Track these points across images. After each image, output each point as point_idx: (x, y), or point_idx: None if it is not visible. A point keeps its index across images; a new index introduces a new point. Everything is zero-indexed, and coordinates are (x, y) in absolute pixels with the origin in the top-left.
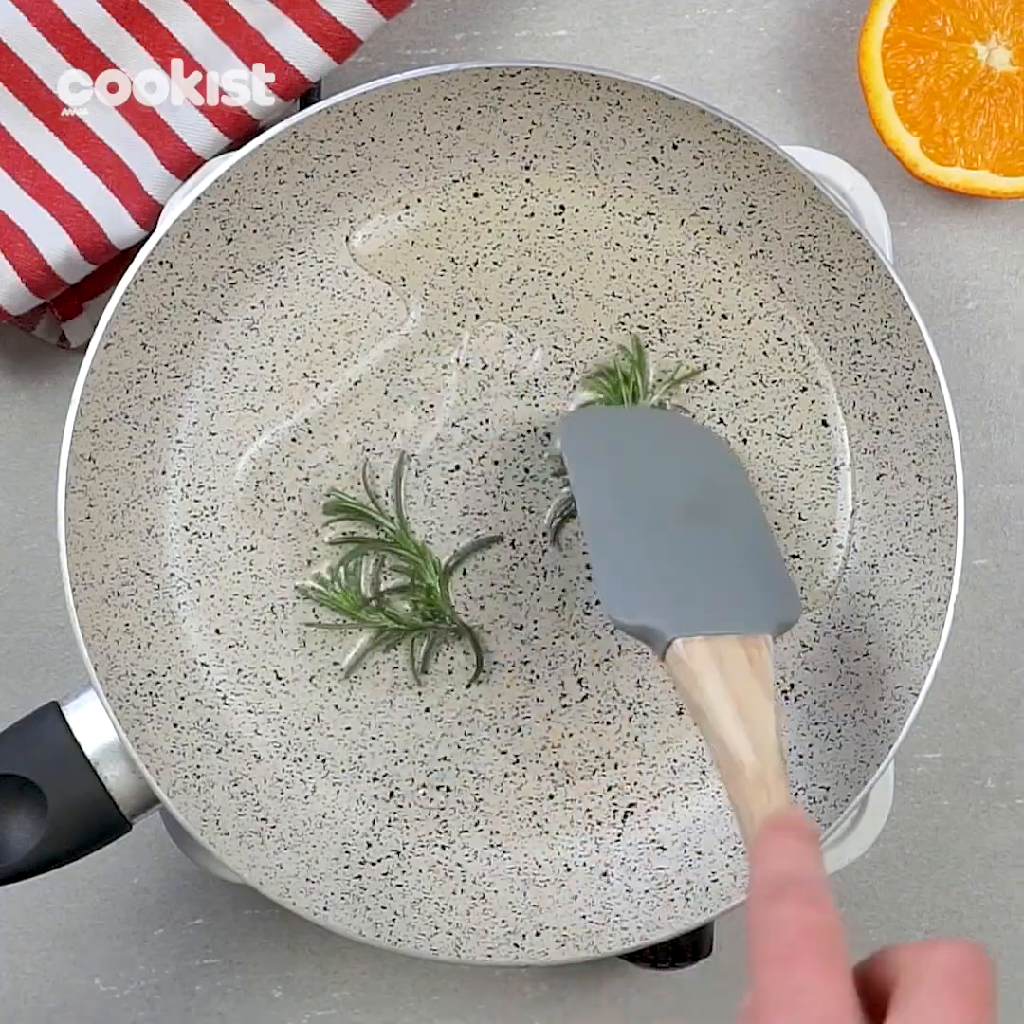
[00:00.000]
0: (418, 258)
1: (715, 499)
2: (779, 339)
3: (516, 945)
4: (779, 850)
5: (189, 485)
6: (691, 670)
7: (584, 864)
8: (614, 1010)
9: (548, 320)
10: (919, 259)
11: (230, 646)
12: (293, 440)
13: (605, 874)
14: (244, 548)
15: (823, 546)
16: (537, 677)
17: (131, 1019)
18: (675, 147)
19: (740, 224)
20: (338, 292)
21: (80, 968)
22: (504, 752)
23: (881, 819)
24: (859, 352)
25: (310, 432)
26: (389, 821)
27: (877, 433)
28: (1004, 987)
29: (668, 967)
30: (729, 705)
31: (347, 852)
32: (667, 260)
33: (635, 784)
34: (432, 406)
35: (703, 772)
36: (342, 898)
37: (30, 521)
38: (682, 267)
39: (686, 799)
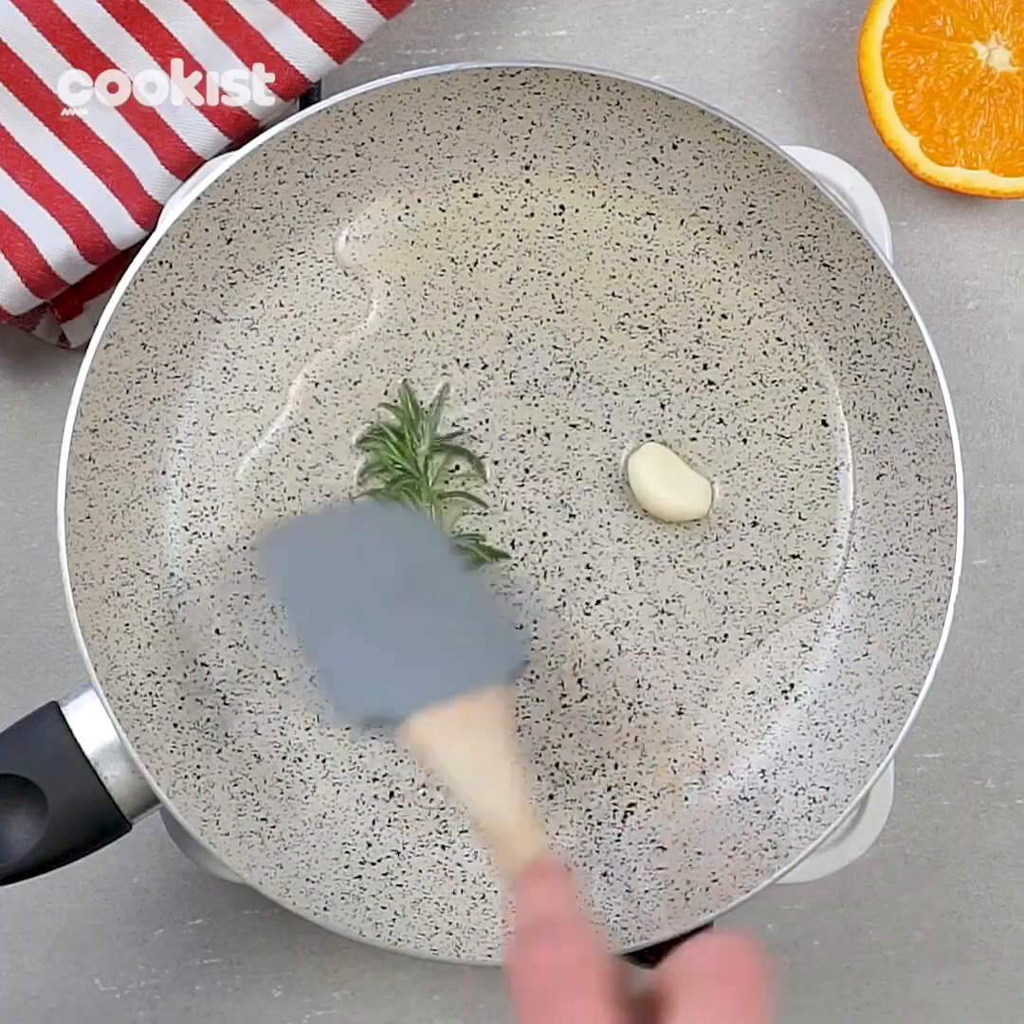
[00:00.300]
0: (418, 258)
1: (419, 576)
2: (779, 339)
3: None
4: (531, 897)
5: (189, 485)
6: (427, 743)
7: (584, 864)
8: None
9: (548, 320)
10: (919, 259)
11: (230, 646)
12: (293, 440)
13: (605, 874)
14: (244, 548)
15: (823, 546)
16: (537, 677)
17: (131, 1019)
18: (675, 147)
19: (740, 224)
20: (338, 292)
21: (80, 968)
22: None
23: (881, 819)
24: (859, 352)
25: (310, 432)
26: (389, 821)
27: (877, 433)
28: (1004, 987)
29: None
30: (469, 769)
31: (347, 852)
32: (667, 260)
33: (635, 784)
34: (432, 406)
35: (703, 772)
36: (342, 898)
37: (30, 521)
38: (682, 267)
39: (686, 799)
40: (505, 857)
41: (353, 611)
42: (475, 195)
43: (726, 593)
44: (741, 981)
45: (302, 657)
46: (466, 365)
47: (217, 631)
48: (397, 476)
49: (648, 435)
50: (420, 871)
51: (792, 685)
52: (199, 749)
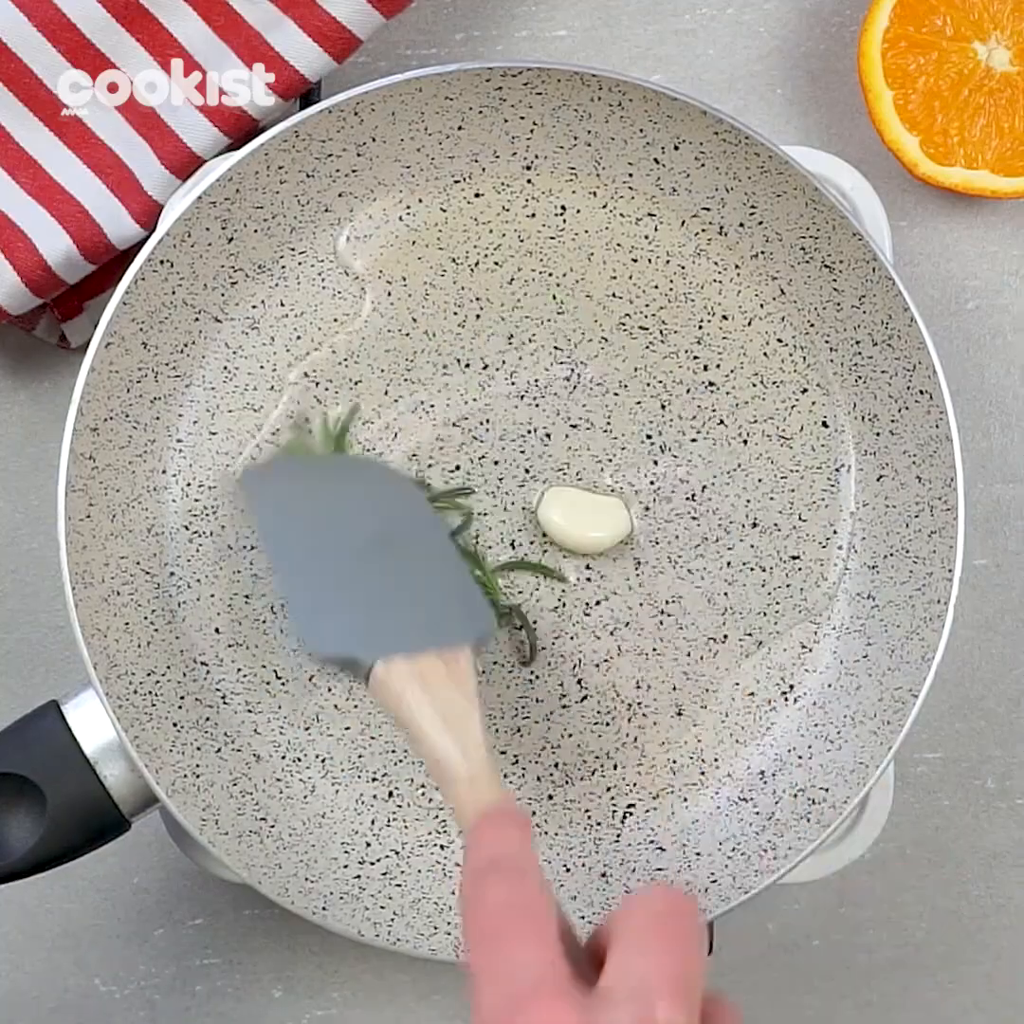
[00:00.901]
0: (419, 258)
1: (399, 531)
2: (780, 340)
3: None
4: (488, 837)
5: (189, 484)
6: (393, 690)
7: (583, 865)
8: None
9: (549, 320)
10: (919, 259)
11: (230, 645)
12: (292, 454)
13: (604, 875)
14: (244, 547)
15: (823, 547)
16: (536, 678)
17: (131, 1019)
18: (676, 148)
19: (741, 225)
20: (339, 292)
21: (80, 968)
22: (503, 752)
23: (881, 819)
24: (860, 353)
25: (310, 432)
26: (388, 821)
27: (878, 434)
28: (1003, 987)
29: None
30: (434, 717)
31: (346, 852)
32: (668, 261)
33: (634, 785)
34: (432, 406)
35: (702, 773)
36: (341, 898)
37: (30, 521)
38: (683, 268)
39: (685, 800)
40: (464, 802)
41: (329, 552)
42: (476, 195)
43: (726, 594)
44: (678, 934)
45: (275, 588)
46: (467, 365)
47: (217, 630)
48: None
49: (648, 437)
50: (419, 871)
51: (792, 686)
52: (198, 748)
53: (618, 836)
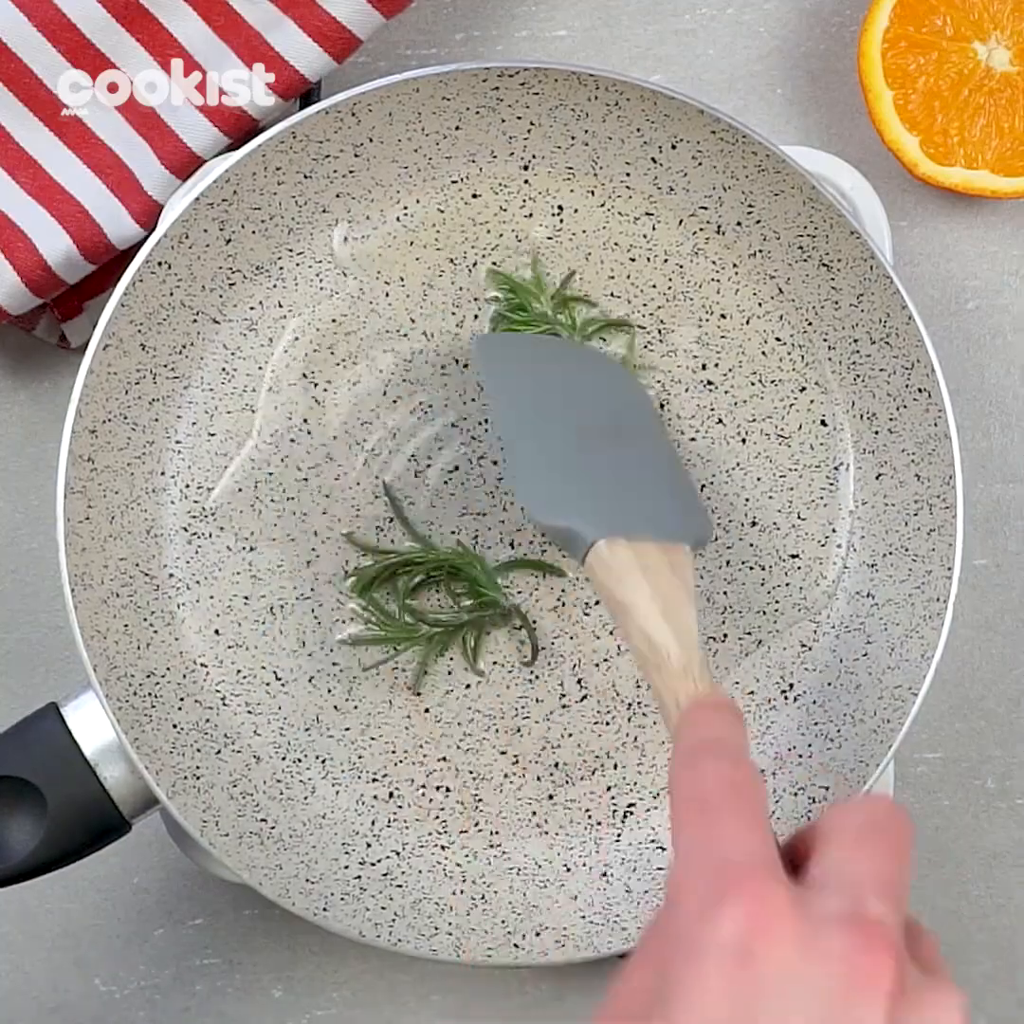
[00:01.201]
0: (417, 258)
1: (626, 423)
2: (778, 339)
3: (516, 945)
4: (703, 721)
5: (188, 486)
6: (614, 569)
7: (584, 864)
8: None
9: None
10: (919, 259)
11: (229, 647)
12: (292, 441)
13: (605, 874)
14: (243, 549)
15: (822, 546)
16: (536, 677)
17: (131, 1019)
18: (674, 147)
19: (739, 224)
20: (336, 292)
21: (80, 968)
22: (503, 753)
23: None
24: (858, 352)
25: (309, 433)
26: (389, 821)
27: (876, 433)
28: (1003, 987)
29: None
30: (653, 601)
31: (347, 853)
32: (666, 260)
33: (635, 784)
34: (431, 406)
35: None
36: (342, 898)
37: (30, 521)
38: (681, 267)
39: None
40: (676, 690)
41: (557, 426)
42: (474, 195)
43: (725, 593)
44: (893, 841)
45: (501, 449)
46: (465, 365)
47: (216, 632)
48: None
49: None
50: (420, 871)
51: (791, 685)
52: (198, 750)
53: (619, 835)
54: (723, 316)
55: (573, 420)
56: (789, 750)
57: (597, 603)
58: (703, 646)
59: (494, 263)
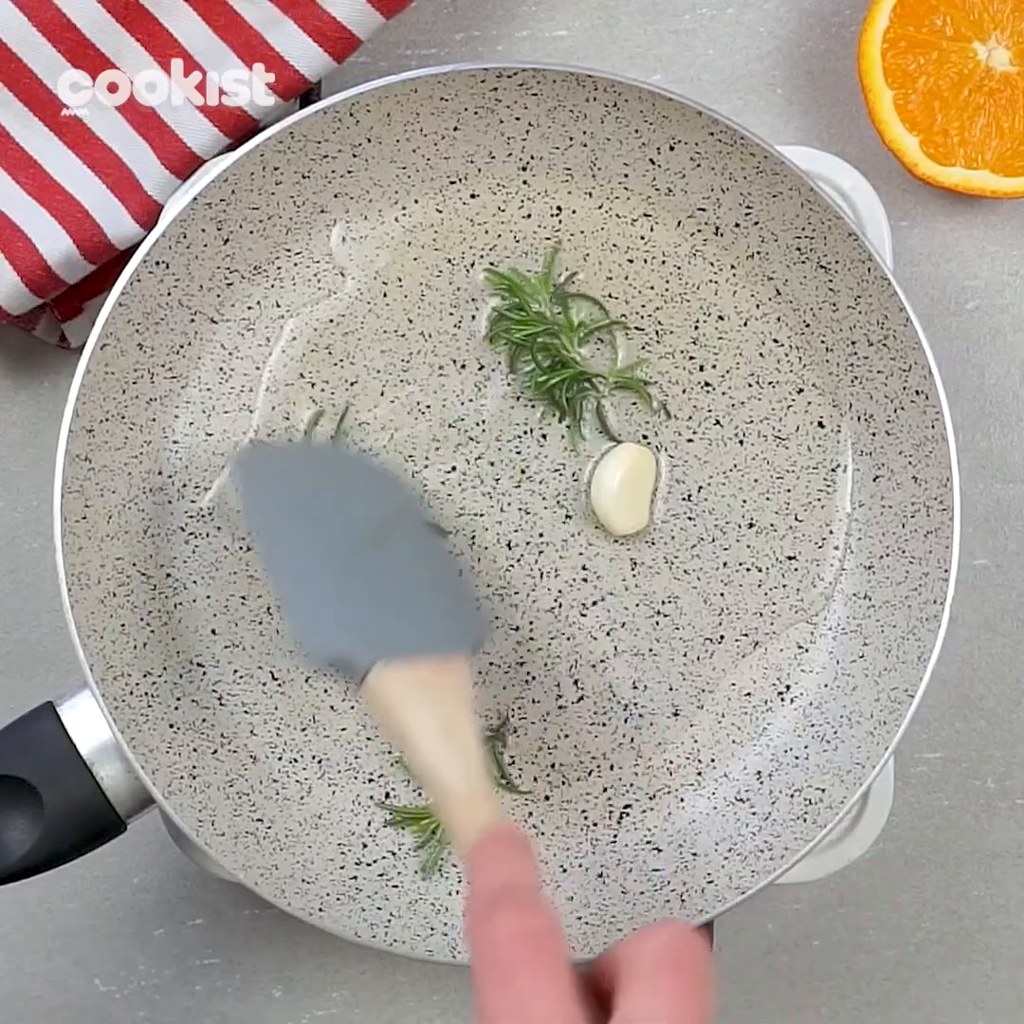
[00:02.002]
0: (415, 259)
1: (391, 531)
2: (776, 341)
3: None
4: (491, 862)
5: (185, 485)
6: (389, 695)
7: (579, 865)
8: None
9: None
10: (919, 259)
11: (226, 647)
12: (289, 441)
13: (601, 876)
14: (240, 549)
15: (819, 548)
16: (533, 679)
17: (131, 1019)
18: (672, 148)
19: (737, 226)
20: (334, 293)
21: (80, 968)
22: (500, 753)
23: (881, 819)
24: (855, 354)
25: (306, 433)
26: (385, 822)
27: (873, 435)
28: (1004, 987)
29: None
30: (432, 729)
31: (343, 853)
32: (664, 261)
33: (630, 786)
34: (428, 407)
35: (698, 773)
36: (337, 899)
37: (30, 521)
38: (679, 268)
39: (681, 801)
40: (463, 822)
41: (322, 548)
42: (472, 196)
43: (722, 595)
44: (689, 972)
45: (268, 583)
46: (462, 366)
47: (213, 632)
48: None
49: (644, 437)
50: (415, 872)
51: (788, 687)
52: (195, 749)
53: (615, 837)
54: (721, 317)
55: (337, 537)
56: (785, 752)
57: (594, 604)
58: (484, 766)
59: (492, 263)
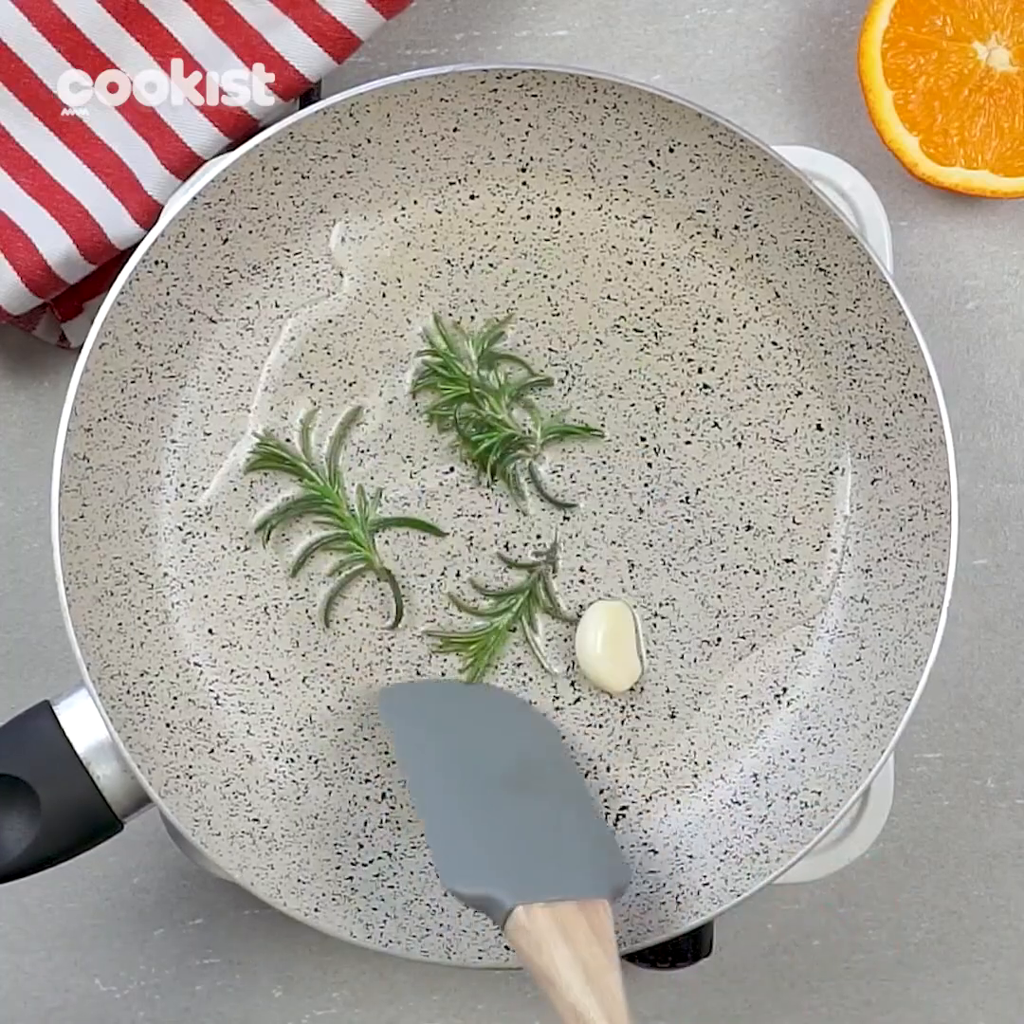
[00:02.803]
0: (414, 260)
1: (535, 769)
2: (774, 343)
3: (507, 947)
4: None
5: (183, 485)
6: (535, 938)
7: None
8: None
9: (544, 323)
10: (919, 259)
11: (223, 646)
12: (287, 441)
13: None
14: (238, 548)
15: (817, 550)
16: (530, 680)
17: (131, 1019)
18: (671, 150)
19: (736, 228)
20: (333, 293)
21: (80, 968)
22: None
23: (881, 819)
24: (854, 357)
25: (303, 433)
26: (381, 822)
27: (872, 438)
28: (1004, 987)
29: (668, 967)
30: (577, 973)
31: (339, 853)
32: (663, 263)
33: (627, 787)
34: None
35: (695, 775)
36: (333, 899)
37: (30, 521)
38: (678, 270)
39: (678, 802)
40: None
41: (469, 785)
42: (471, 197)
43: (719, 597)
44: None
45: (417, 813)
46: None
47: (210, 631)
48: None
49: (641, 439)
50: (411, 873)
51: (785, 689)
52: (191, 749)
53: None
54: (720, 320)
55: (483, 772)
56: (781, 754)
57: (592, 605)
58: (629, 1013)
59: (491, 264)
